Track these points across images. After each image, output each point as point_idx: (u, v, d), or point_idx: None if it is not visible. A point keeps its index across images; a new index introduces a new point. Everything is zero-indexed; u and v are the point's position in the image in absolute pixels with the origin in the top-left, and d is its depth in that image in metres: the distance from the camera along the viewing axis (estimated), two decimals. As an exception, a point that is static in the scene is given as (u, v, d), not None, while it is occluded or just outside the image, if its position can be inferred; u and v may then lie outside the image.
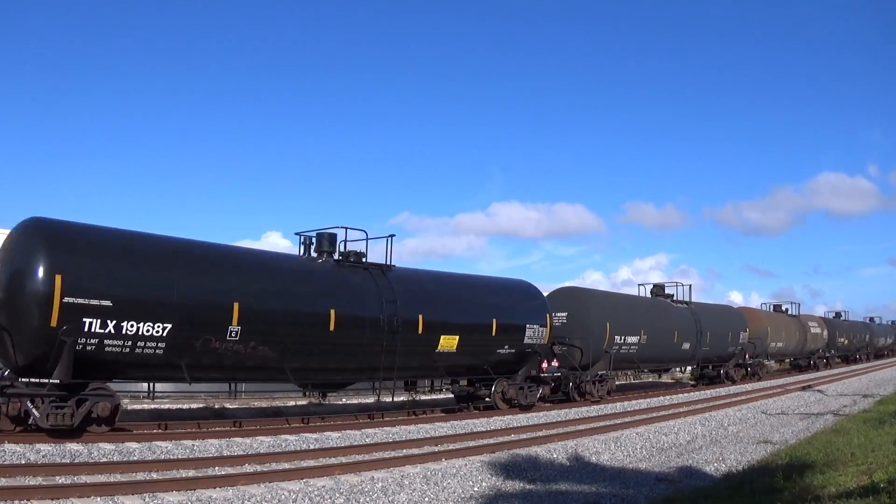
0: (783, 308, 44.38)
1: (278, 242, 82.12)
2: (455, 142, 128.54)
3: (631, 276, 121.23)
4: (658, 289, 30.41)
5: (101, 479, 9.78)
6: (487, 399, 20.30)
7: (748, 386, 31.61)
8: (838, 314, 55.05)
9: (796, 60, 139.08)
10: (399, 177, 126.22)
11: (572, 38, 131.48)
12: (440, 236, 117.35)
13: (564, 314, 23.25)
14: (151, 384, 15.69)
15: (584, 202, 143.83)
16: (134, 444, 12.56)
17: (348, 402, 22.85)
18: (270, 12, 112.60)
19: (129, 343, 12.93)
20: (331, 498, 9.54)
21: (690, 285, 31.25)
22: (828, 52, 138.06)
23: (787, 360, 44.79)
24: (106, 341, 12.65)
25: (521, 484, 11.19)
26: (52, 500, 8.48)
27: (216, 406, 19.71)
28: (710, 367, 32.89)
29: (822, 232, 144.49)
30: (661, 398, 25.74)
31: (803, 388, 29.81)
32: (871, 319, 63.19)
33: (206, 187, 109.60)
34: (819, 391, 29.09)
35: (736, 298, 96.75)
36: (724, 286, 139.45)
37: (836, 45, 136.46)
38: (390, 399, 19.00)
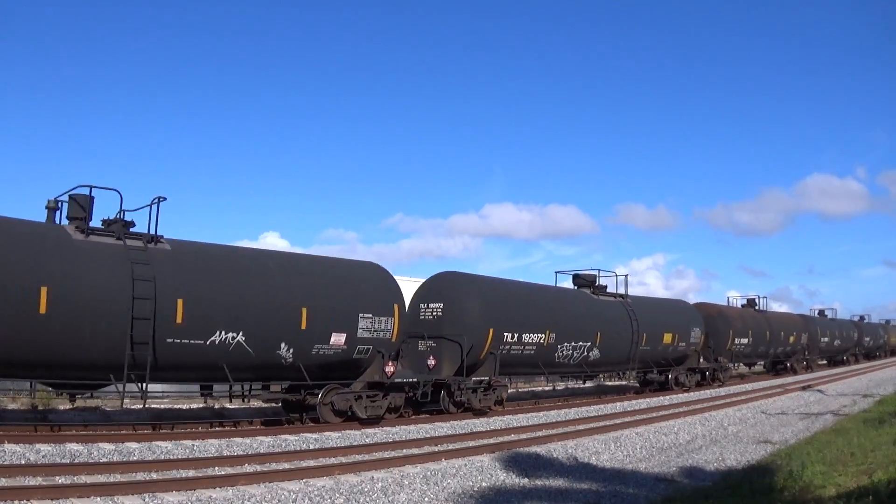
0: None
1: (276, 243, 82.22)
2: (449, 143, 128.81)
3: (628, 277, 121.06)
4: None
5: (101, 479, 9.78)
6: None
7: (748, 386, 31.82)
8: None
9: (785, 62, 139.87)
10: (393, 178, 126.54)
11: (561, 39, 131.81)
12: (435, 237, 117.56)
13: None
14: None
15: (576, 203, 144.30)
16: (134, 444, 12.56)
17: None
18: (267, 12, 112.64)
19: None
20: (331, 498, 9.54)
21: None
22: (817, 53, 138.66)
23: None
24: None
25: (521, 483, 11.19)
26: (52, 500, 8.48)
27: (216, 406, 19.70)
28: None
29: (813, 233, 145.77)
30: (643, 400, 27.25)
31: (803, 388, 29.82)
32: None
33: (204, 188, 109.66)
34: (819, 391, 29.09)
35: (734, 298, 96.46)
36: (721, 286, 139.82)
37: (825, 47, 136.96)
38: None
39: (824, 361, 51.42)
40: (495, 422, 18.12)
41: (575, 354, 22.70)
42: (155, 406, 19.11)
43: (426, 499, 10.02)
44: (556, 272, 26.04)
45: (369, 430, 15.65)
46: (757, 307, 38.70)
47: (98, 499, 8.65)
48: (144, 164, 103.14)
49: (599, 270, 26.02)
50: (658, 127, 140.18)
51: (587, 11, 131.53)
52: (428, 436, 15.25)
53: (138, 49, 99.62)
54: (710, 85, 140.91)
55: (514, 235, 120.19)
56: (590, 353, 23.28)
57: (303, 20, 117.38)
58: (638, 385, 29.16)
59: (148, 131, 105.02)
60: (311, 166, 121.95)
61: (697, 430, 17.81)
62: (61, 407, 17.51)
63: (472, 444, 14.28)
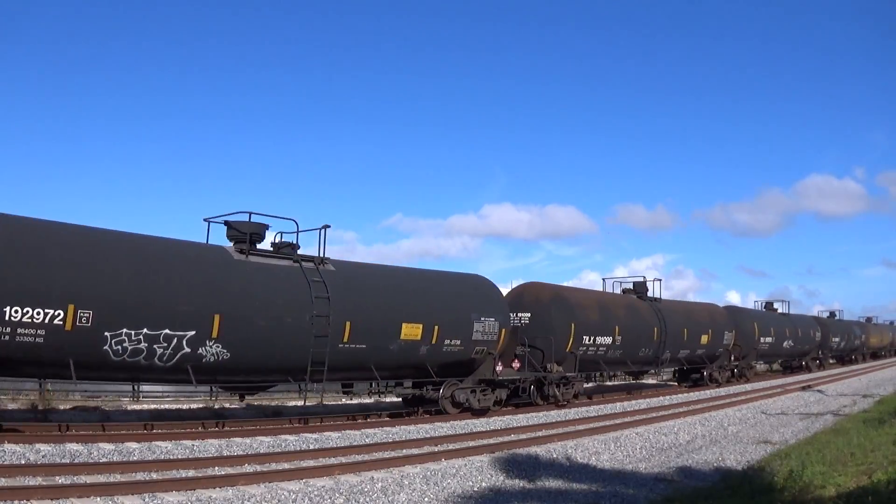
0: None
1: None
2: (448, 144, 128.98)
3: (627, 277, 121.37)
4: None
5: (101, 479, 9.78)
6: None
7: (748, 386, 31.38)
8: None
9: (784, 63, 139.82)
10: (393, 178, 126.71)
11: (561, 39, 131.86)
12: (434, 237, 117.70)
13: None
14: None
15: (575, 204, 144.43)
16: (134, 444, 12.56)
17: (348, 402, 22.86)
18: (267, 12, 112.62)
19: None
20: (331, 498, 9.55)
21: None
22: (815, 53, 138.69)
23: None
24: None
25: (521, 484, 11.20)
26: (51, 500, 8.48)
27: (216, 406, 19.71)
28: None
29: (812, 233, 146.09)
30: (642, 401, 24.53)
31: (803, 388, 29.83)
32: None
33: (203, 188, 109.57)
34: (819, 391, 29.11)
35: (733, 299, 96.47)
36: (720, 287, 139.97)
37: (824, 47, 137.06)
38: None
39: (778, 368, 43.03)
40: (495, 422, 18.11)
41: (159, 351, 13.23)
42: (155, 406, 19.13)
43: (426, 499, 10.02)
44: (205, 219, 15.71)
45: (369, 430, 15.66)
46: (646, 294, 27.56)
47: (98, 499, 8.65)
48: (145, 165, 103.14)
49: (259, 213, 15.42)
50: (657, 128, 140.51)
51: (587, 12, 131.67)
52: (428, 436, 15.26)
53: (139, 49, 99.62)
54: (708, 86, 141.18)
55: (513, 235, 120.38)
56: (202, 350, 13.80)
57: (303, 20, 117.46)
58: (401, 403, 19.43)
59: (148, 131, 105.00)
60: (310, 166, 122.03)
61: (697, 430, 17.81)
62: (61, 407, 17.53)
63: (471, 444, 14.28)
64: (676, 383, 32.58)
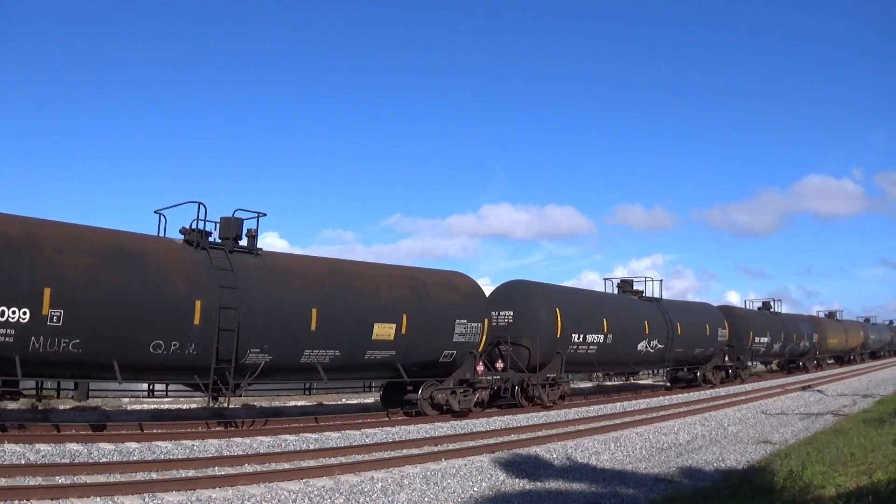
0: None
1: (275, 243, 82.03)
2: (447, 144, 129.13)
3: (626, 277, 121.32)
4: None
5: (101, 479, 9.78)
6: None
7: (748, 386, 31.29)
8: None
9: (782, 63, 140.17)
10: (392, 178, 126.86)
11: (560, 39, 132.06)
12: (433, 237, 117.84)
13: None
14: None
15: (574, 204, 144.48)
16: (134, 444, 12.55)
17: (348, 402, 22.86)
18: (267, 12, 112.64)
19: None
20: (330, 498, 9.54)
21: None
22: (813, 54, 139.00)
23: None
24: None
25: (521, 484, 11.19)
26: (51, 500, 8.49)
27: (216, 406, 19.63)
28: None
29: (811, 234, 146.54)
30: (642, 401, 23.75)
31: (803, 388, 29.82)
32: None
33: (203, 188, 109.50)
34: (819, 391, 29.10)
35: (733, 299, 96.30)
36: (719, 287, 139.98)
37: (822, 47, 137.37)
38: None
39: (661, 381, 31.44)
40: (495, 422, 18.11)
41: None
42: (155, 406, 19.11)
43: (426, 499, 10.02)
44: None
45: (369, 430, 15.65)
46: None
47: (98, 499, 8.65)
48: (144, 165, 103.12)
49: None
50: (655, 128, 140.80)
51: (586, 12, 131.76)
52: (428, 436, 15.25)
53: (139, 49, 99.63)
54: (706, 86, 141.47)
55: (512, 236, 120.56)
56: None
57: (302, 20, 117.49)
58: None
59: (148, 131, 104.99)
60: (310, 166, 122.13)
61: (697, 430, 17.80)
62: (61, 407, 17.51)
63: (471, 444, 14.27)
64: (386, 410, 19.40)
